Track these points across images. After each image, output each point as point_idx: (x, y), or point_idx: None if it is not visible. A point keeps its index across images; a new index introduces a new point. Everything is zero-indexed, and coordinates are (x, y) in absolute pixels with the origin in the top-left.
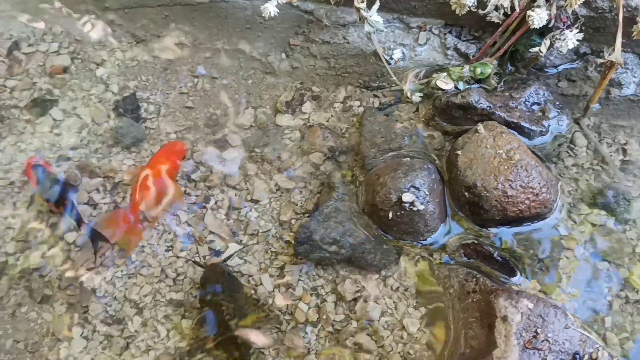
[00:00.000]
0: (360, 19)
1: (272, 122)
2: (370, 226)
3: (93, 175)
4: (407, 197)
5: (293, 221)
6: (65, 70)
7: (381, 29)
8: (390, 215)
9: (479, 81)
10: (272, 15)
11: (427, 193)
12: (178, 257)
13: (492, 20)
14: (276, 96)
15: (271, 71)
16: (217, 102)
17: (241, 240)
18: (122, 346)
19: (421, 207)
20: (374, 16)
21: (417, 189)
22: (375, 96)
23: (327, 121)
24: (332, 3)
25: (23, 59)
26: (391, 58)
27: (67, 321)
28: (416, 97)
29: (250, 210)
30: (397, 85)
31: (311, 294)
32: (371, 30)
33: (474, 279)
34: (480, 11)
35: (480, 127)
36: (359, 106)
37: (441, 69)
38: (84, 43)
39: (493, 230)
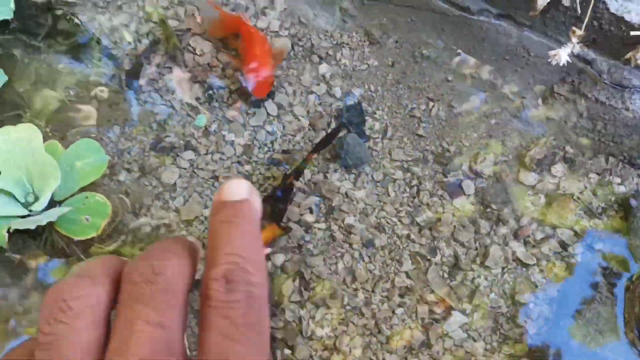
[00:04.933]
0: None
1: (514, 177)
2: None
3: (307, 191)
4: None
5: (531, 305)
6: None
7: None
8: None
9: None
10: (562, 64)
11: None
12: (394, 313)
13: None
14: (521, 146)
15: (522, 116)
16: (452, 136)
17: (465, 310)
18: None
19: None
20: None
21: None
22: None
23: (581, 193)
24: (623, 59)
25: None
26: None
27: None
28: None
29: (479, 277)
30: None
31: None
32: None
33: None
34: None
35: None
36: (619, 184)
37: None
38: (309, 28)
39: None
